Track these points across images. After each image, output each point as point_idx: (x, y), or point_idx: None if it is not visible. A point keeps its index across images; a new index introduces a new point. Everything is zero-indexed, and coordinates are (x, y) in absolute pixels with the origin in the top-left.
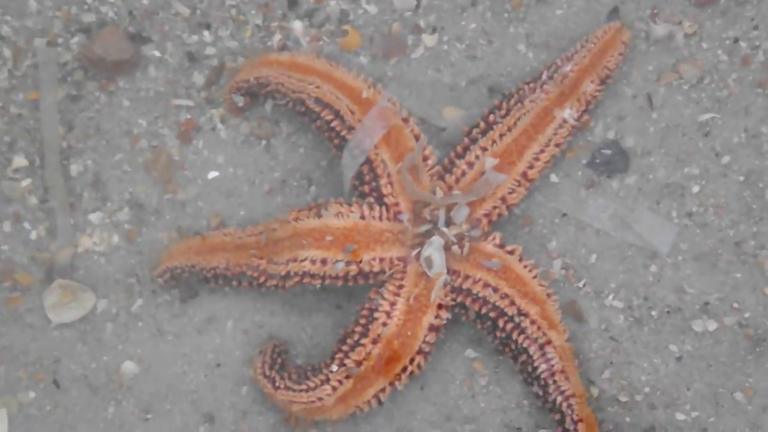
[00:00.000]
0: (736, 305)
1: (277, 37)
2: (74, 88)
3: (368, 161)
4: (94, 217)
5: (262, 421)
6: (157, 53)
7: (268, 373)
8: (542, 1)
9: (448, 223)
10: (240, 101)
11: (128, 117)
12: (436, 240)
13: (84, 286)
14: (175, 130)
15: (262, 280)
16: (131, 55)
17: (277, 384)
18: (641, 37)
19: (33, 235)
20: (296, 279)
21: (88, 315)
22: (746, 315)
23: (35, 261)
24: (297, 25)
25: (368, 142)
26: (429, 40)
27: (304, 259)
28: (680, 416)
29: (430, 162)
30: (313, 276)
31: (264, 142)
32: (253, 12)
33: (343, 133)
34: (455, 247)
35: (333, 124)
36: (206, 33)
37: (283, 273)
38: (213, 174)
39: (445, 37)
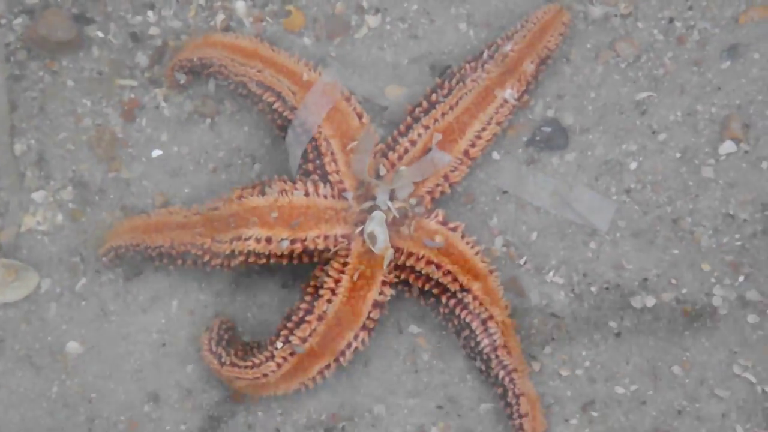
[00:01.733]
0: (673, 281)
1: (221, 17)
2: (17, 67)
3: (312, 140)
4: (37, 195)
5: (206, 399)
6: (100, 34)
7: (214, 349)
8: None
9: (392, 198)
10: (182, 78)
11: (72, 97)
12: (378, 215)
13: (27, 265)
14: (119, 109)
15: (206, 258)
16: (74, 36)
17: (222, 360)
18: (579, 17)
19: None
20: (241, 258)
21: (31, 294)
22: (683, 291)
23: None
24: (240, 5)
25: (313, 120)
26: (372, 20)
27: (249, 238)
28: (620, 390)
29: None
30: (258, 255)
31: (208, 121)
32: None
33: (286, 113)
34: (404, 227)
35: (275, 105)
36: (150, 13)
37: (227, 251)
38: (157, 152)
39: (387, 17)
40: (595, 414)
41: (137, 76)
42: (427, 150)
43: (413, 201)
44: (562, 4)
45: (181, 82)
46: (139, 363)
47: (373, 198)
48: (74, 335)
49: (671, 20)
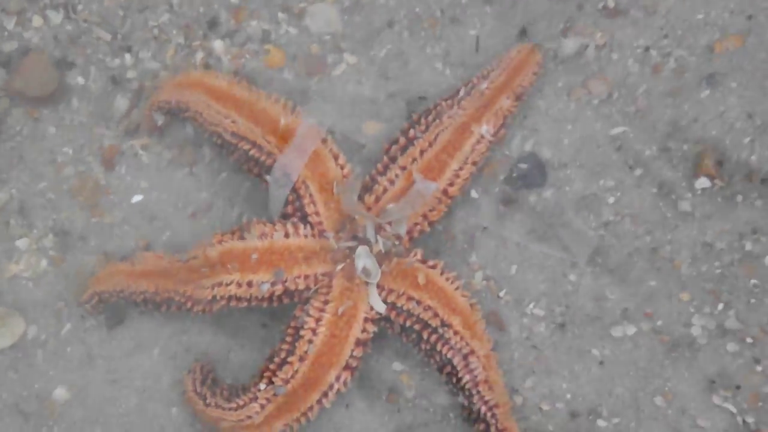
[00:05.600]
0: (651, 311)
1: (200, 55)
2: None
3: None
4: (20, 243)
5: None
6: (81, 80)
7: (199, 389)
8: (456, 21)
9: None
10: (160, 120)
11: (53, 146)
12: (363, 249)
13: (13, 311)
14: (99, 157)
15: (189, 305)
16: (55, 87)
17: (207, 401)
18: (549, 55)
19: None
20: (222, 302)
21: (18, 342)
22: (661, 321)
23: None
24: (218, 44)
25: (295, 166)
26: (350, 59)
27: (230, 283)
28: (602, 423)
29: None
30: (239, 299)
31: (186, 169)
32: (174, 32)
33: (263, 159)
34: (383, 266)
35: (251, 152)
36: (127, 56)
37: (209, 297)
38: (137, 198)
39: (362, 58)
40: None
41: (114, 127)
42: (406, 188)
43: (396, 242)
44: (533, 42)
45: (159, 123)
46: (124, 408)
47: (356, 237)
48: (61, 381)
49: (647, 49)
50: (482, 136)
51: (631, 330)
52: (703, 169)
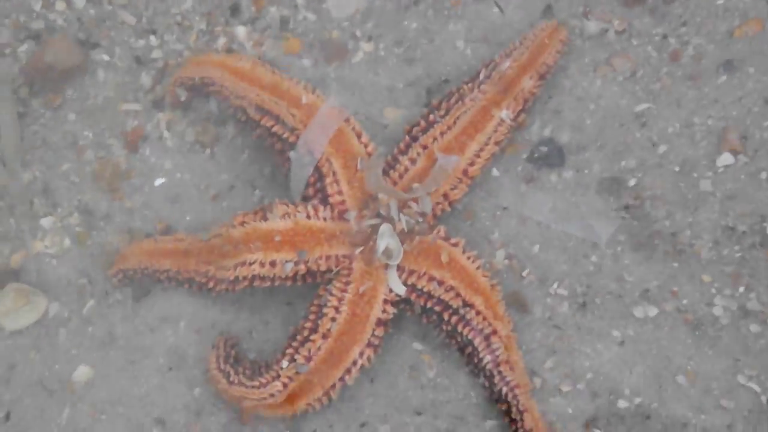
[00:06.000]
0: (674, 290)
1: (222, 41)
2: (20, 104)
3: None
4: (45, 221)
5: (214, 422)
6: (105, 57)
7: (222, 366)
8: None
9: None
10: (183, 95)
11: (74, 130)
12: (386, 228)
13: (36, 289)
14: (122, 140)
15: (211, 285)
16: (81, 61)
17: (231, 378)
18: (575, 32)
19: None
20: (245, 282)
21: (41, 319)
22: (684, 301)
23: None
24: (240, 30)
25: (318, 143)
26: (367, 46)
27: (253, 262)
28: (623, 404)
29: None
30: (262, 278)
31: (208, 150)
32: (197, 18)
33: (286, 135)
34: (405, 245)
35: (274, 129)
36: (152, 38)
37: (231, 277)
38: (160, 181)
39: (382, 43)
40: (598, 431)
41: (141, 99)
42: (428, 168)
43: (420, 219)
44: (558, 19)
45: (182, 98)
46: (146, 387)
47: (379, 214)
48: (84, 360)
49: (665, 37)
50: (502, 120)
51: (653, 310)
52: (727, 143)
